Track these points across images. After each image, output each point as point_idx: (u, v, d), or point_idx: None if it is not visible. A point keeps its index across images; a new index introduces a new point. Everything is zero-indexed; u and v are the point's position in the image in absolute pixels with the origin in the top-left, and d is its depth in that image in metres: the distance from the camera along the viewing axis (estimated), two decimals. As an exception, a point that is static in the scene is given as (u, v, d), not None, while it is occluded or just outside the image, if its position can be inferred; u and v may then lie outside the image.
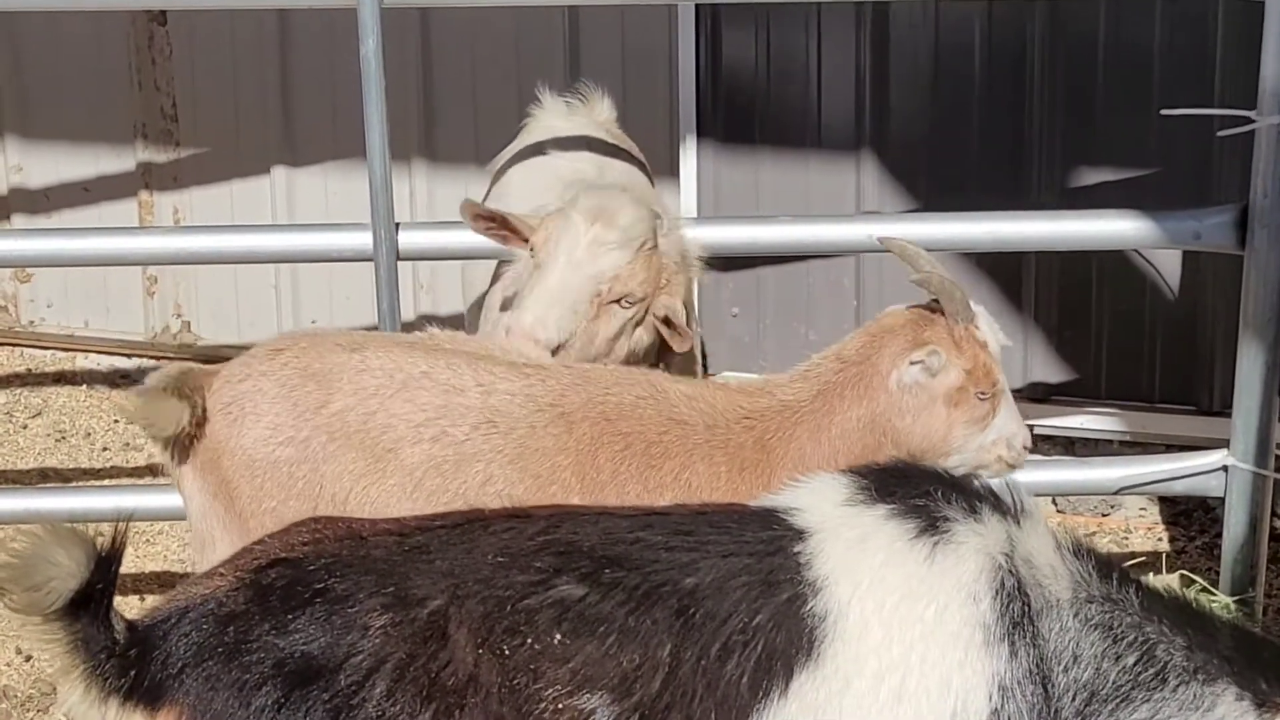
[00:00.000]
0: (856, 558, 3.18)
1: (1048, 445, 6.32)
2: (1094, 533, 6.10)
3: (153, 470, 6.32)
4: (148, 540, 6.11)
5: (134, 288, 7.54)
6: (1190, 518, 6.14)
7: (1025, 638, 3.14)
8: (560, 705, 3.03)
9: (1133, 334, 6.18)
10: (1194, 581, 5.23)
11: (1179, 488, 5.24)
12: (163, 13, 7.25)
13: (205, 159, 7.34)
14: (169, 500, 4.85)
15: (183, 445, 4.10)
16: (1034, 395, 6.30)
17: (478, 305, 5.33)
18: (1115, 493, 5.49)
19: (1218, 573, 5.22)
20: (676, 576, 3.15)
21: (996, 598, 3.14)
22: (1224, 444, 5.12)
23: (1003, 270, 6.25)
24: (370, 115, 5.06)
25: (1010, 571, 3.17)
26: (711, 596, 3.14)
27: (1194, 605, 3.32)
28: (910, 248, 4.16)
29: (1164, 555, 5.81)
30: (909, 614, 3.13)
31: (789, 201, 6.40)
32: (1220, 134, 4.90)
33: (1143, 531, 6.15)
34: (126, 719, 3.03)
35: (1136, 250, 6.01)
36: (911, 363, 4.03)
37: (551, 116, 5.68)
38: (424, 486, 3.97)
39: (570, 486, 3.95)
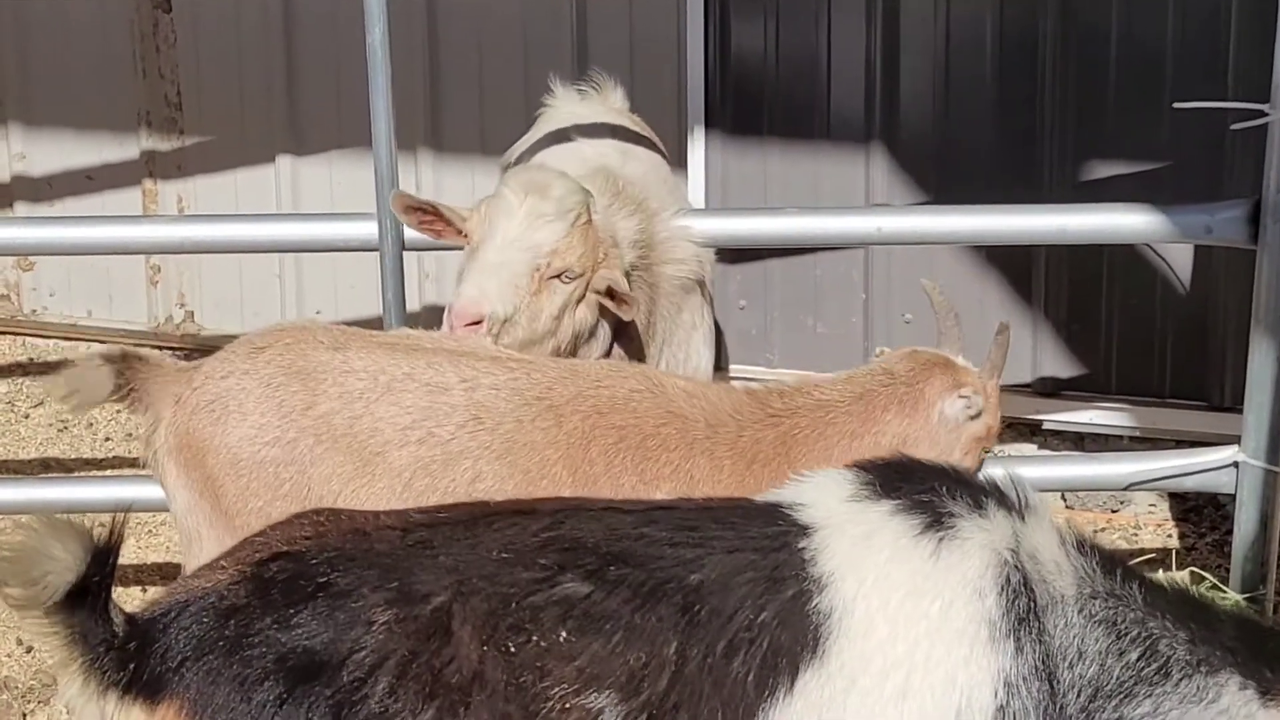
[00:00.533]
0: (862, 554, 3.17)
1: (1057, 440, 6.30)
2: (1103, 529, 6.07)
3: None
4: (149, 531, 6.09)
5: (137, 277, 7.52)
6: (1200, 514, 6.12)
7: (1031, 634, 3.13)
8: (568, 704, 3.01)
9: (1143, 329, 6.16)
10: (1204, 578, 5.21)
11: (1189, 484, 5.21)
12: (167, 0, 7.23)
13: (209, 147, 7.32)
14: (171, 492, 4.82)
15: (165, 440, 4.09)
16: (1044, 390, 6.27)
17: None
18: (1125, 488, 5.46)
19: (1228, 570, 5.20)
20: (681, 573, 3.14)
21: (1002, 594, 3.14)
22: (1235, 440, 5.09)
23: (1013, 264, 6.22)
24: (376, 104, 5.03)
25: (1015, 567, 3.17)
26: (717, 593, 3.13)
27: (1198, 598, 3.33)
28: (945, 300, 4.29)
29: (1174, 552, 5.79)
30: (914, 610, 3.12)
31: (798, 193, 6.37)
32: (1233, 127, 4.87)
33: (1152, 528, 6.12)
34: (126, 712, 3.01)
35: (1148, 244, 5.98)
36: (960, 396, 4.10)
37: (570, 104, 5.66)
38: (413, 487, 3.96)
39: (561, 480, 3.93)
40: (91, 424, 7.04)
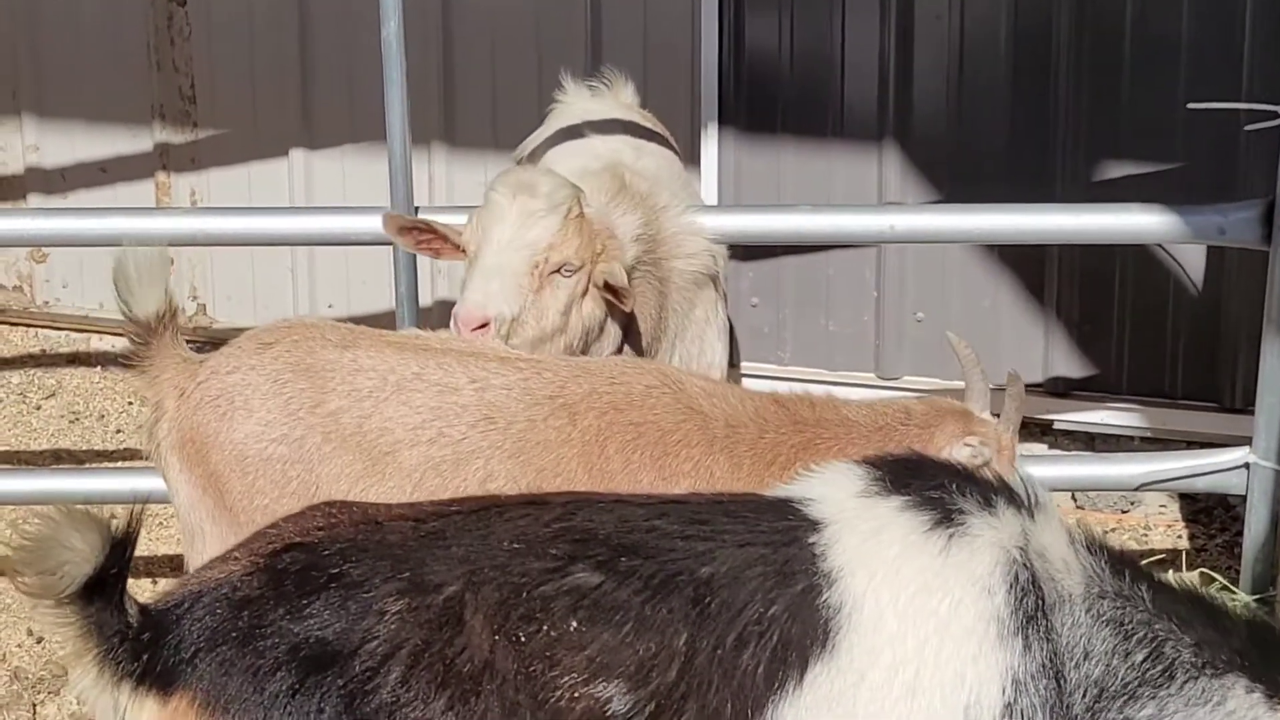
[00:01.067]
0: (872, 549, 3.17)
1: (1068, 440, 6.30)
2: (1114, 529, 6.07)
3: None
4: (161, 523, 6.10)
5: (150, 269, 7.52)
6: (1211, 515, 6.11)
7: (1039, 632, 3.13)
8: (577, 693, 3.02)
9: (1155, 329, 6.15)
10: (1214, 579, 5.21)
11: (1200, 485, 5.22)
12: (182, -7, 7.26)
13: (223, 140, 7.33)
14: (183, 483, 4.83)
15: (168, 434, 4.08)
16: (1055, 390, 6.27)
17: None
18: (1136, 489, 5.47)
19: (1238, 571, 5.20)
20: (692, 565, 3.14)
21: (1011, 591, 3.13)
22: (1246, 441, 5.10)
23: (1025, 263, 6.22)
24: (391, 98, 5.04)
25: (1024, 565, 3.16)
26: (727, 586, 3.13)
27: (1207, 599, 3.31)
28: (971, 354, 4.28)
29: (1184, 553, 5.79)
30: (924, 607, 3.11)
31: (810, 191, 6.37)
32: (1247, 128, 4.87)
33: (1163, 528, 6.12)
34: (139, 704, 3.01)
35: (1160, 245, 5.97)
36: (965, 444, 4.09)
37: (583, 99, 5.67)
38: (423, 487, 3.95)
39: (577, 478, 3.92)
40: (103, 415, 7.06)
